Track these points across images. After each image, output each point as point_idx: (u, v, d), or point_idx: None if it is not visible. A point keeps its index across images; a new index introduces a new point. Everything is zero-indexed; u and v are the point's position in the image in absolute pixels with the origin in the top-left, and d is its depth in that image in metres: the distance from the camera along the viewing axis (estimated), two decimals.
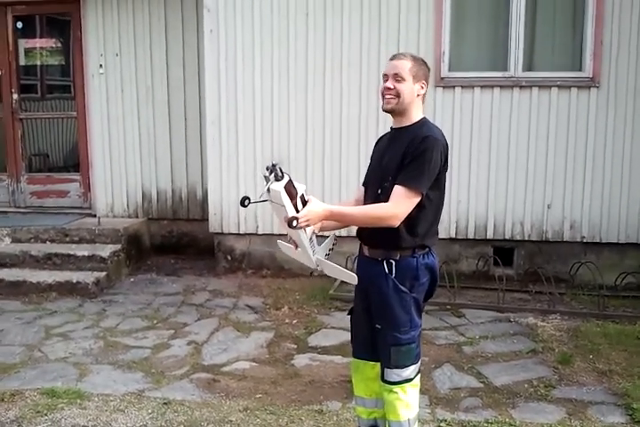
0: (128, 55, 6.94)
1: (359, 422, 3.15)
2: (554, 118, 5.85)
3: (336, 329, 4.87)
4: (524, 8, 5.80)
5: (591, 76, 5.77)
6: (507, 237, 6.00)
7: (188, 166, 7.02)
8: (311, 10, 5.98)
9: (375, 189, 2.83)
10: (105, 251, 6.17)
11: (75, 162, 7.34)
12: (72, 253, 6.14)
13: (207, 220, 6.46)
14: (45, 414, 3.66)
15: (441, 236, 5.86)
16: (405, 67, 2.74)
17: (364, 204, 2.89)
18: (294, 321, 5.12)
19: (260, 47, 6.09)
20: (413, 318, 2.82)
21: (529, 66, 5.92)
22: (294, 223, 2.53)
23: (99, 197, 7.11)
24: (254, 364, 4.37)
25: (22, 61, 7.39)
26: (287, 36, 6.04)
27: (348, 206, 2.86)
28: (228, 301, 5.64)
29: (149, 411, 3.70)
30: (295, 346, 4.66)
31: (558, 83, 5.81)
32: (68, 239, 6.45)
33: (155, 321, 5.18)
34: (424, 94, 2.81)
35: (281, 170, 2.52)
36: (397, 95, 2.76)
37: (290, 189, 2.55)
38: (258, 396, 3.90)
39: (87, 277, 5.88)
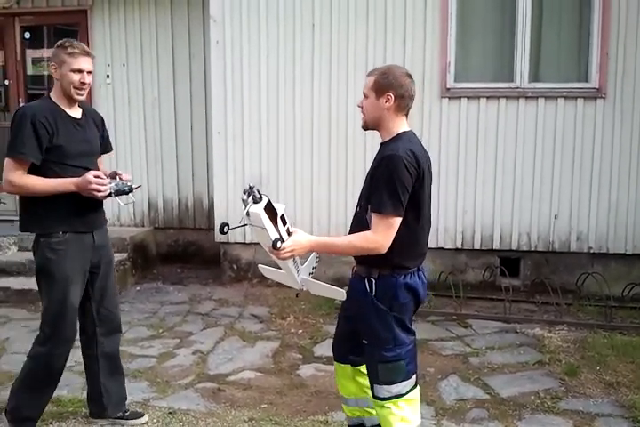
0: (135, 65, 6.99)
1: (348, 421, 3.22)
2: (560, 129, 5.85)
3: None
4: (529, 19, 5.82)
5: (597, 86, 5.78)
6: (513, 247, 5.99)
7: (194, 176, 7.04)
8: (317, 22, 6.00)
9: (357, 206, 2.86)
10: None
11: None
12: None
13: (213, 229, 6.47)
14: (51, 423, 3.66)
15: (447, 246, 5.98)
16: (369, 83, 2.77)
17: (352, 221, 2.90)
18: (300, 331, 5.11)
19: (267, 58, 6.11)
20: (397, 337, 2.78)
21: (535, 76, 5.93)
22: (278, 244, 2.52)
23: (105, 206, 7.10)
24: (259, 374, 4.36)
25: (30, 71, 7.44)
26: (293, 47, 6.07)
27: (333, 237, 2.83)
28: (234, 310, 5.64)
29: (154, 420, 3.70)
30: (301, 356, 4.65)
31: (564, 93, 5.82)
32: None
33: (160, 330, 5.18)
34: (397, 107, 2.74)
35: (259, 191, 2.50)
36: (364, 113, 2.83)
37: (270, 211, 2.53)
38: (263, 406, 3.89)
39: None
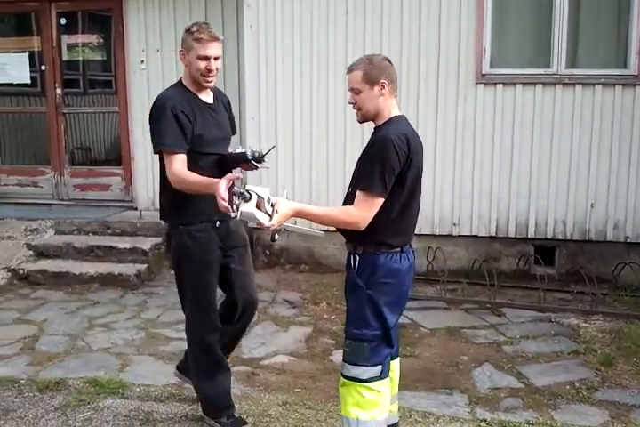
0: (169, 51, 6.98)
1: None
2: (598, 116, 5.75)
3: None
4: (567, 3, 5.70)
5: (636, 73, 5.66)
6: (548, 236, 5.92)
7: None
8: (351, 8, 5.95)
9: (349, 186, 2.93)
10: (146, 244, 6.24)
11: (116, 156, 7.43)
12: (114, 245, 6.23)
13: None
14: (88, 403, 3.73)
15: (480, 233, 5.94)
16: (356, 78, 2.81)
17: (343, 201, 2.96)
18: (332, 317, 5.12)
19: (300, 44, 6.09)
20: (364, 317, 2.80)
21: (572, 63, 5.83)
22: (276, 237, 2.85)
23: (140, 191, 7.19)
24: (293, 358, 4.39)
25: (65, 57, 7.50)
26: (327, 33, 6.03)
27: (316, 207, 2.87)
28: (267, 295, 5.66)
29: (190, 403, 3.73)
30: (333, 342, 4.66)
31: (602, 80, 5.71)
32: (110, 232, 6.55)
33: None
34: (390, 91, 2.84)
35: (248, 191, 2.62)
36: (360, 108, 2.85)
37: (259, 205, 2.64)
38: (297, 390, 3.92)
39: (129, 269, 5.97)
